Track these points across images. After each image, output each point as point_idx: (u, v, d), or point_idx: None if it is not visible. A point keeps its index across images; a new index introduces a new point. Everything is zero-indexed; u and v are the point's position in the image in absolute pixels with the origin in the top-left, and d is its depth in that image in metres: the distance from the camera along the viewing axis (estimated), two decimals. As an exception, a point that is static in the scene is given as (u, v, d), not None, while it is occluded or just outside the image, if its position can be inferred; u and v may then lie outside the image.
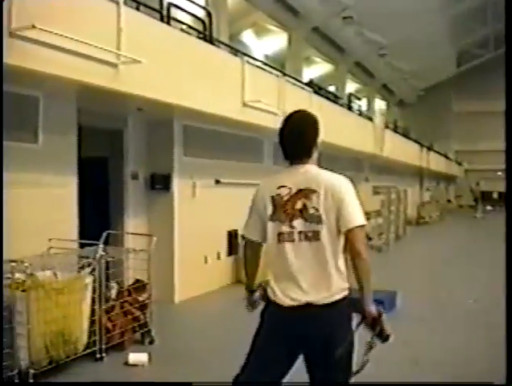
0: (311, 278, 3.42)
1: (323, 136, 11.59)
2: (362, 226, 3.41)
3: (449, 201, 39.60)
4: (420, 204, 29.82)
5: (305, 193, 3.46)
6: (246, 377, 3.49)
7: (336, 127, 15.28)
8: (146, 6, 8.13)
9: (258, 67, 11.29)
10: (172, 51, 8.06)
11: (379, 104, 36.54)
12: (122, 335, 6.67)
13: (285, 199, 3.50)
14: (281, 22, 22.28)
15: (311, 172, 3.57)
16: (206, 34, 9.78)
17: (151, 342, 7.02)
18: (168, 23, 8.48)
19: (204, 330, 8.31)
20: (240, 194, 11.58)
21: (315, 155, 3.67)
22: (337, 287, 3.39)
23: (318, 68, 27.42)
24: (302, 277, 3.43)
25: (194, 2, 10.46)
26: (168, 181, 9.66)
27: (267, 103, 10.87)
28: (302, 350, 3.45)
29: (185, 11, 10.06)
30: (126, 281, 7.63)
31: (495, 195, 43.41)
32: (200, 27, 10.16)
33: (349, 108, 19.37)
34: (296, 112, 3.78)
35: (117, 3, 6.69)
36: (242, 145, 12.12)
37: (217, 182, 10.98)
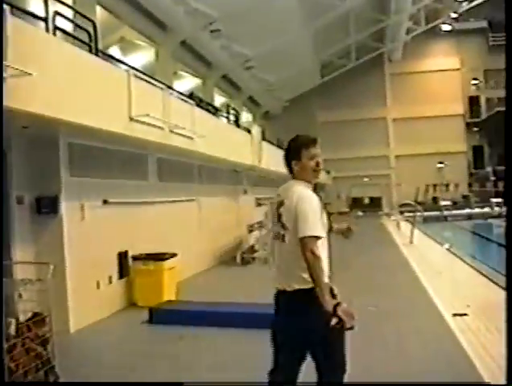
0: (282, 268, 4.39)
1: (204, 149, 11.23)
2: (311, 237, 4.09)
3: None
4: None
5: (282, 203, 4.37)
6: None
7: (217, 139, 15.11)
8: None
9: (143, 80, 10.80)
10: (57, 63, 7.50)
11: (246, 117, 36.83)
12: (26, 375, 6.04)
13: (276, 206, 4.48)
14: (149, 37, 21.92)
15: (289, 186, 4.44)
16: (91, 46, 9.23)
17: (56, 380, 6.41)
18: (54, 34, 7.91)
19: (105, 359, 7.75)
20: (127, 213, 11.16)
21: (298, 171, 4.42)
22: (298, 278, 4.19)
23: (186, 83, 27.15)
24: (278, 267, 4.48)
25: (62, 15, 9.81)
26: (55, 204, 8.99)
27: (154, 117, 10.47)
28: None
29: (70, 21, 9.47)
30: (23, 315, 6.96)
31: (366, 201, 44.97)
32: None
33: (228, 120, 19.24)
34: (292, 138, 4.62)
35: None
36: (128, 162, 11.60)
37: (105, 202, 10.39)
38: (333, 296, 4.16)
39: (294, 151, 4.47)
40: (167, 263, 11.09)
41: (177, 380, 6.60)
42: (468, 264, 15.56)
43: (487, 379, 6.04)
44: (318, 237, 4.13)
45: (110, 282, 10.48)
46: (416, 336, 8.03)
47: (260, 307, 9.55)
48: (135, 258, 11.09)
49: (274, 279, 4.45)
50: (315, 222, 4.15)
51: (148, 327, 9.36)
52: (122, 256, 10.98)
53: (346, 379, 4.36)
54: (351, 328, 3.98)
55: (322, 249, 4.20)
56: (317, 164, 4.46)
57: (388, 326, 8.32)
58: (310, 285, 4.08)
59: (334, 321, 3.92)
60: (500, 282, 12.31)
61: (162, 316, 9.54)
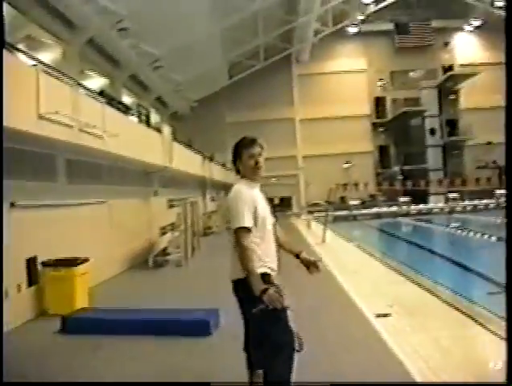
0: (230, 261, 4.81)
1: (115, 149, 10.73)
2: (239, 228, 4.52)
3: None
4: (207, 214, 29.85)
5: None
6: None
7: (129, 139, 14.66)
8: None
9: (51, 75, 10.23)
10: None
11: (154, 118, 36.28)
12: None
13: None
14: (56, 35, 21.22)
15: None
16: (-2, 39, 8.64)
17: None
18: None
19: (18, 373, 7.21)
20: (35, 216, 10.55)
21: (242, 170, 4.89)
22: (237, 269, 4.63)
23: (93, 82, 26.41)
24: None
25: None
26: (-43, 207, 8.35)
27: (64, 114, 9.95)
28: None
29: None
30: None
31: (276, 201, 45.12)
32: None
33: (139, 120, 18.74)
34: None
35: None
36: (36, 163, 10.96)
37: (12, 205, 9.75)
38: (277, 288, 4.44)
39: (236, 152, 4.91)
40: (79, 268, 10.56)
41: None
42: (382, 262, 15.73)
43: (418, 380, 5.95)
44: (246, 228, 4.53)
45: (19, 290, 9.85)
46: (342, 339, 7.88)
47: (175, 313, 9.28)
48: (45, 264, 10.49)
49: (230, 273, 4.85)
50: (242, 214, 4.55)
51: (62, 337, 8.83)
52: (31, 263, 10.35)
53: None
54: (283, 308, 4.39)
55: (263, 241, 4.68)
56: (256, 162, 4.84)
57: (311, 328, 8.13)
58: (240, 274, 4.57)
59: (259, 307, 4.32)
60: (415, 279, 12.48)
61: (75, 325, 9.05)
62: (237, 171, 4.95)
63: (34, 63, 9.93)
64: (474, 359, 6.85)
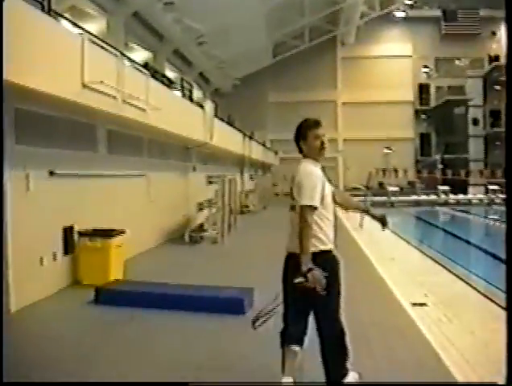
0: (294, 235, 4.86)
1: (157, 122, 10.71)
2: (306, 206, 4.78)
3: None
4: (244, 193, 29.78)
5: (293, 178, 5.06)
6: None
7: (171, 113, 14.58)
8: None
9: (97, 44, 10.15)
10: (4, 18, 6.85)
11: (196, 94, 36.18)
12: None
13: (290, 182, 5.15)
14: (100, 6, 21.16)
15: (299, 164, 5.10)
16: (44, 5, 8.53)
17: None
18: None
19: (48, 341, 7.20)
20: (74, 186, 10.54)
21: (306, 150, 5.11)
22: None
23: (137, 55, 26.38)
24: (291, 234, 5.01)
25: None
26: (-2, 173, 8.33)
27: (108, 85, 9.88)
28: None
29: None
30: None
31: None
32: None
33: (182, 94, 18.65)
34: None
35: None
36: (77, 132, 10.94)
37: (51, 173, 9.74)
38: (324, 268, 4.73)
39: (301, 132, 5.14)
40: (115, 240, 10.55)
41: (126, 363, 6.21)
42: (419, 250, 15.51)
43: (454, 373, 5.79)
44: (312, 207, 4.79)
45: (55, 259, 9.86)
46: (378, 328, 7.73)
47: (210, 290, 9.19)
48: (82, 234, 10.50)
49: (288, 242, 5.06)
50: (312, 193, 4.81)
51: (94, 308, 8.83)
52: (68, 232, 10.37)
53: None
54: (318, 291, 4.67)
55: (323, 219, 4.94)
56: (322, 143, 5.08)
57: (346, 315, 7.99)
58: (314, 250, 4.80)
59: (299, 279, 4.67)
60: (452, 269, 12.27)
61: (109, 296, 9.04)
62: (300, 151, 5.18)
63: (79, 31, 9.86)
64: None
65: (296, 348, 5.02)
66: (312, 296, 4.75)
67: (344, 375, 5.01)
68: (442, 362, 6.16)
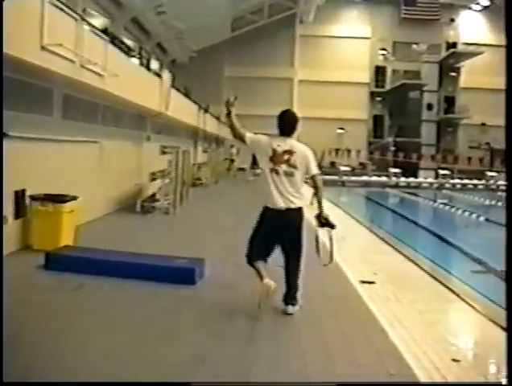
0: (288, 194, 6.86)
1: (114, 89, 10.78)
2: (318, 173, 7.07)
3: (231, 161, 39.66)
4: (197, 165, 29.72)
5: (289, 152, 6.94)
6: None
7: (128, 81, 14.46)
8: None
9: (57, 7, 9.97)
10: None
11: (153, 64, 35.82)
12: None
13: (280, 151, 6.92)
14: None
15: (293, 142, 7.07)
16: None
17: None
18: None
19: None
20: (27, 149, 10.37)
21: (295, 134, 7.11)
22: (301, 200, 6.96)
23: (94, 22, 25.88)
24: (282, 193, 6.86)
25: None
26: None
27: (67, 48, 9.75)
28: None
29: None
30: None
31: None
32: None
33: (140, 63, 18.48)
34: (288, 110, 7.48)
35: None
36: (32, 95, 10.74)
37: (4, 135, 9.55)
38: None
39: (298, 122, 7.23)
40: (67, 205, 10.46)
41: (71, 332, 6.22)
42: (369, 230, 15.79)
43: (402, 350, 5.96)
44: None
45: (5, 222, 9.74)
46: (326, 302, 7.90)
47: (161, 259, 9.22)
48: (33, 198, 10.37)
49: (281, 201, 6.84)
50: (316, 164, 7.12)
51: (44, 273, 8.78)
52: (19, 195, 10.23)
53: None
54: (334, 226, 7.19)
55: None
56: None
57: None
58: (303, 205, 7.00)
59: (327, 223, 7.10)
60: (401, 250, 12.55)
61: (59, 261, 8.97)
62: (289, 133, 7.12)
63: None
64: (455, 333, 6.91)
65: (262, 261, 7.03)
66: (290, 238, 7.02)
67: (295, 300, 7.14)
68: (389, 339, 6.33)
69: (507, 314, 4.31)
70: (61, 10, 10.21)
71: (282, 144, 6.92)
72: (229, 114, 7.29)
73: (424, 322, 7.07)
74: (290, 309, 7.03)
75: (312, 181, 7.00)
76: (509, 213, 4.78)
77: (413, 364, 5.58)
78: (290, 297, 7.06)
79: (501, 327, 6.79)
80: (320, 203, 6.99)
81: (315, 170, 6.96)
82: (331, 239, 7.23)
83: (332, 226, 7.10)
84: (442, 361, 5.70)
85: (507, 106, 4.42)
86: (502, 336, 6.42)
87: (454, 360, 5.75)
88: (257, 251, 7.04)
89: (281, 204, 6.80)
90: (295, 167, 6.82)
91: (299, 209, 6.91)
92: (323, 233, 7.22)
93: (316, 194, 6.98)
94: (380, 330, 6.64)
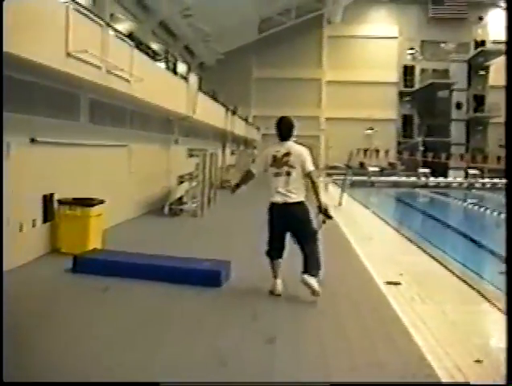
0: (289, 191, 7.77)
1: (140, 94, 11.00)
2: (313, 170, 7.84)
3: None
4: (225, 168, 29.82)
5: (288, 154, 7.82)
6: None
7: (155, 85, 14.59)
8: None
9: (82, 13, 10.12)
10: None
11: (181, 67, 36.05)
12: None
13: (280, 156, 7.84)
14: (86, -26, 20.99)
15: (290, 145, 7.95)
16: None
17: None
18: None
19: (25, 304, 7.29)
20: (55, 154, 10.54)
21: (292, 138, 8.00)
22: (300, 195, 7.83)
23: (122, 26, 26.21)
24: (285, 190, 7.79)
25: None
26: (-21, 138, 8.31)
27: (92, 54, 9.89)
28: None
29: None
30: None
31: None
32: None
33: (166, 67, 18.63)
34: (285, 117, 8.17)
35: None
36: (59, 100, 10.90)
37: (32, 140, 9.75)
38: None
39: (294, 128, 8.02)
40: (95, 209, 10.61)
41: (95, 334, 6.32)
42: (396, 230, 15.72)
43: (424, 351, 5.95)
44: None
45: (34, 226, 9.92)
46: (351, 303, 7.90)
47: (188, 262, 9.30)
48: (61, 202, 10.54)
49: (278, 197, 7.82)
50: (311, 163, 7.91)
51: (72, 276, 8.92)
52: (48, 199, 10.40)
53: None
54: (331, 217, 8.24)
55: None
56: None
57: (322, 291, 8.15)
58: (302, 199, 7.86)
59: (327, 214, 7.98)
60: (428, 250, 12.46)
61: (87, 264, 9.10)
62: (287, 138, 7.98)
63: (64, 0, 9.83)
64: (479, 335, 6.86)
65: (280, 260, 8.01)
66: (298, 228, 7.90)
67: (315, 274, 7.71)
68: (412, 339, 6.31)
69: (507, 313, 4.29)
70: (86, 16, 10.37)
71: (281, 148, 7.89)
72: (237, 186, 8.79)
73: (448, 323, 7.04)
74: (307, 277, 7.64)
75: (309, 177, 7.81)
76: (509, 212, 4.76)
77: (435, 365, 5.56)
78: (310, 267, 7.71)
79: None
80: (317, 195, 7.85)
81: (310, 168, 7.78)
82: (320, 227, 8.10)
83: (330, 217, 8.06)
84: (464, 362, 5.68)
85: (507, 107, 4.41)
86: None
87: (477, 361, 5.72)
88: (274, 247, 8.02)
89: (282, 199, 7.78)
90: (293, 167, 7.74)
91: (300, 203, 7.81)
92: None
93: (314, 188, 7.81)
94: (403, 331, 6.63)
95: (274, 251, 8.01)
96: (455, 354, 5.89)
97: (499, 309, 7.78)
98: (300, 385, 5.13)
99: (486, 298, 8.37)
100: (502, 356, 6.11)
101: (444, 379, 5.23)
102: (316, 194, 7.85)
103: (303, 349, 6.03)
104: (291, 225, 7.90)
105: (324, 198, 8.14)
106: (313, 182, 7.83)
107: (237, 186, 8.66)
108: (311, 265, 7.72)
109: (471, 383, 5.32)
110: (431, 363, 5.63)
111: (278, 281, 7.94)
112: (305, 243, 7.83)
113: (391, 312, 7.44)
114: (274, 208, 7.93)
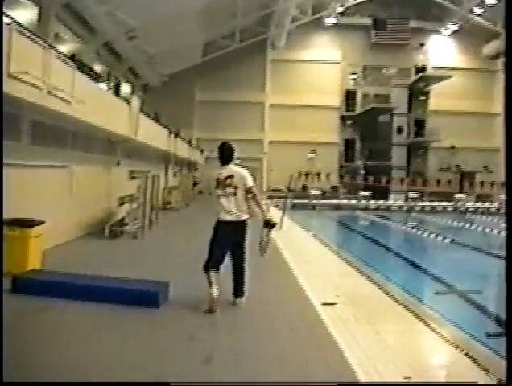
0: (234, 210, 8.51)
1: (82, 115, 11.08)
2: (253, 185, 8.61)
3: (194, 184, 39.75)
4: (167, 189, 29.83)
5: (230, 176, 8.54)
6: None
7: (96, 107, 14.62)
8: None
9: (24, 35, 10.16)
10: None
11: (125, 88, 36.00)
12: None
13: (222, 178, 8.56)
14: (30, -5, 20.98)
15: (231, 167, 8.66)
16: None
17: None
18: None
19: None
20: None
21: (234, 161, 8.71)
22: (244, 214, 8.58)
23: (67, 47, 26.18)
24: (230, 209, 8.50)
25: None
26: None
27: (34, 76, 9.92)
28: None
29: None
30: None
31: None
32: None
33: (108, 88, 18.65)
34: (225, 142, 8.84)
35: None
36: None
37: (-28, 161, 9.67)
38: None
39: (234, 153, 8.75)
40: (34, 230, 10.55)
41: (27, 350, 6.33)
42: (336, 253, 16.02)
43: (356, 370, 6.15)
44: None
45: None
46: (287, 325, 8.07)
47: (126, 283, 9.36)
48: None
49: (225, 216, 8.50)
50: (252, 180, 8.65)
51: (10, 296, 8.86)
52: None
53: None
54: (274, 225, 9.17)
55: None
56: None
57: (258, 312, 8.33)
58: (247, 217, 8.63)
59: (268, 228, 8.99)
60: (367, 273, 12.77)
61: (26, 285, 9.09)
62: (228, 161, 8.68)
63: (8, 21, 9.86)
64: (410, 353, 7.11)
65: (216, 271, 8.48)
66: (237, 245, 8.67)
67: (243, 293, 8.78)
68: (345, 359, 6.51)
69: (507, 313, 4.45)
70: (28, 37, 10.41)
71: (224, 171, 8.63)
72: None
73: (381, 342, 7.27)
74: (238, 300, 8.75)
75: (250, 192, 8.57)
76: (509, 216, 4.91)
77: (365, 381, 5.78)
78: (240, 291, 8.77)
79: (456, 347, 7.09)
80: (259, 206, 8.73)
81: (250, 183, 8.55)
82: (268, 235, 9.11)
83: (273, 225, 9.02)
84: (394, 378, 5.93)
85: (507, 107, 4.57)
86: (457, 356, 6.74)
87: (406, 378, 5.97)
88: (212, 260, 8.51)
89: (229, 218, 8.50)
90: (237, 187, 8.51)
91: (245, 221, 8.62)
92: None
93: (255, 200, 8.66)
94: (336, 350, 6.83)
95: (212, 263, 8.50)
96: (385, 371, 6.13)
97: (433, 329, 8.07)
98: (304, 385, 5.24)
99: (421, 319, 8.65)
100: (431, 373, 6.42)
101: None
102: (258, 205, 8.70)
103: (240, 366, 6.18)
104: (234, 242, 8.64)
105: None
106: (254, 195, 8.59)
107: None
108: (241, 288, 8.77)
109: (470, 383, 5.54)
110: (360, 380, 5.85)
111: (214, 287, 8.36)
112: (240, 261, 8.72)
113: (326, 332, 7.64)
114: (220, 226, 8.56)
